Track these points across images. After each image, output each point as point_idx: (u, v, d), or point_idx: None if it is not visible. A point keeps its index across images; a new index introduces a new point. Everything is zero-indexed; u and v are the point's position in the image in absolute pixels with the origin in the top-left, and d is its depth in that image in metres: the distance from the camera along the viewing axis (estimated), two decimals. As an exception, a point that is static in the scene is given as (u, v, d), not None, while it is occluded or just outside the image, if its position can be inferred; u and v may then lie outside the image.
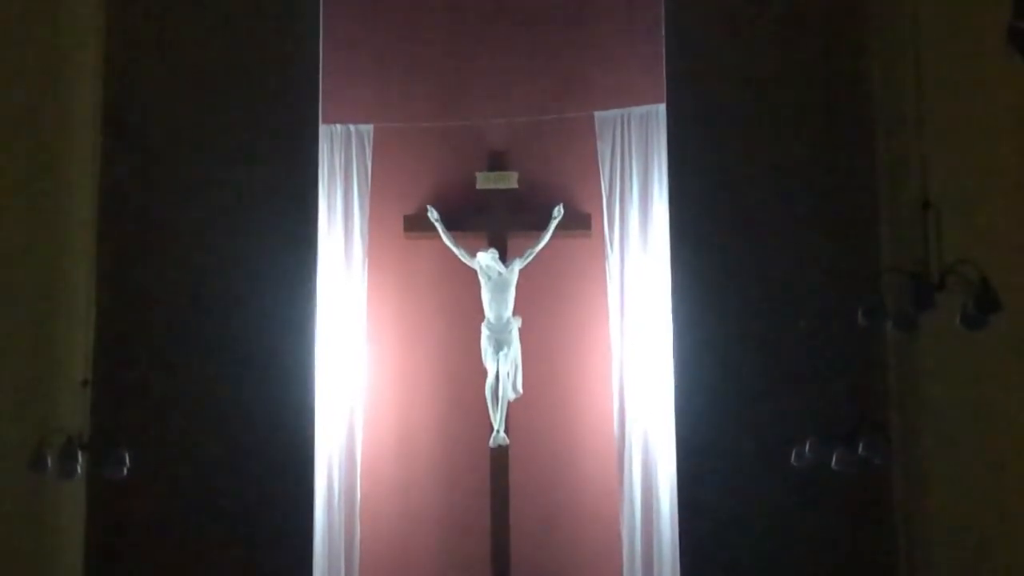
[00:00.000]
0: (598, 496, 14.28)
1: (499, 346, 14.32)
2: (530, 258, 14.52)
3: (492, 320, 14.39)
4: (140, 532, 12.20)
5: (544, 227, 14.56)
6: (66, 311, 11.55)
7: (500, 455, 14.36)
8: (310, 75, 13.10)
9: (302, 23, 13.12)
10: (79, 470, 10.23)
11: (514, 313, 14.43)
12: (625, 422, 14.15)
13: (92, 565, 12.03)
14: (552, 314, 14.72)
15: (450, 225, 14.65)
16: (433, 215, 14.61)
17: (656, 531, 13.78)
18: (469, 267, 14.54)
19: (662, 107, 13.58)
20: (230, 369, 12.40)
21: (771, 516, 12.00)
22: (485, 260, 14.42)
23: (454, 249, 14.56)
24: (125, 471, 10.54)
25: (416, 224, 14.75)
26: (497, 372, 14.31)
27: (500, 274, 14.44)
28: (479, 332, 14.42)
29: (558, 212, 14.56)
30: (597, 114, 14.74)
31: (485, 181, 14.86)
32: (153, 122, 12.85)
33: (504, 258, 14.55)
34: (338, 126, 14.67)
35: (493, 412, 14.29)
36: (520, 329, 14.42)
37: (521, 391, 14.39)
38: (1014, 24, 5.84)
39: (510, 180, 14.85)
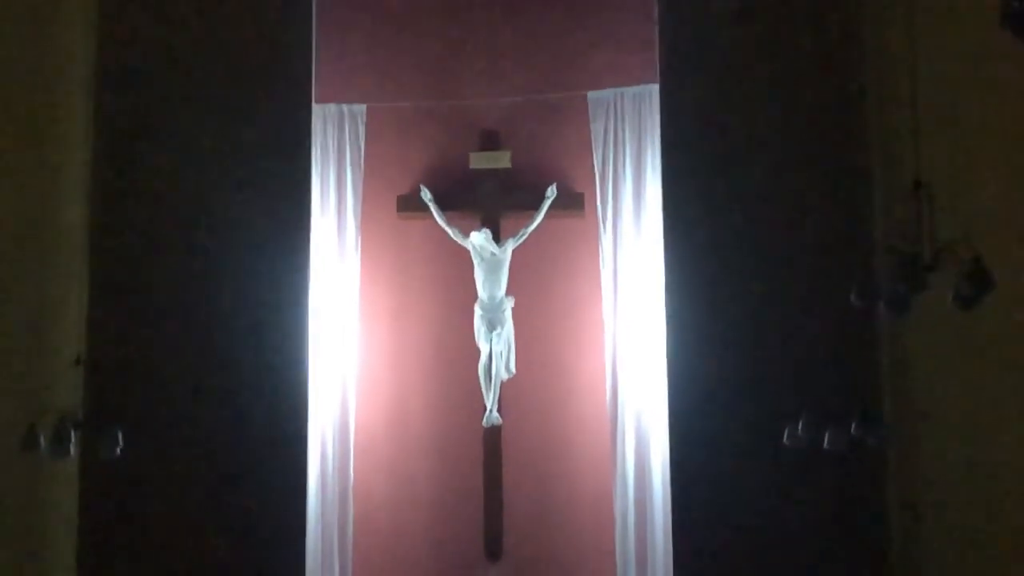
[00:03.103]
0: (591, 475, 14.31)
1: (492, 326, 14.33)
2: (523, 238, 14.52)
3: (485, 300, 14.39)
4: (134, 511, 12.21)
5: (537, 207, 14.56)
6: (59, 288, 11.55)
7: (493, 434, 14.39)
8: (303, 55, 13.07)
9: (295, 3, 13.08)
10: (72, 449, 10.23)
11: (507, 293, 14.44)
12: (618, 401, 14.16)
13: (85, 543, 12.05)
14: (545, 294, 14.73)
15: (443, 205, 14.64)
16: (426, 195, 14.60)
17: (649, 510, 13.80)
18: (462, 247, 14.54)
19: (655, 87, 13.56)
20: (224, 349, 12.40)
21: (764, 496, 12.01)
22: (478, 240, 14.42)
23: (447, 229, 14.56)
24: (119, 450, 10.54)
25: (409, 204, 14.76)
26: (490, 352, 14.32)
27: (493, 254, 14.44)
28: (472, 312, 14.42)
29: (551, 192, 14.56)
30: (590, 94, 14.72)
31: (478, 161, 14.85)
32: (146, 102, 12.80)
33: (497, 238, 14.55)
34: (331, 106, 14.64)
35: (486, 392, 14.30)
36: (513, 309, 14.43)
37: (514, 371, 14.41)
38: (1009, 4, 5.83)
39: (503, 160, 14.84)
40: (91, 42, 12.19)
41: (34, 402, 10.51)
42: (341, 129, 14.73)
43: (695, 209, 12.65)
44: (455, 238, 14.55)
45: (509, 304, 14.41)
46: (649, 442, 13.91)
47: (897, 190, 10.18)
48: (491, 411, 14.30)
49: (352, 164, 14.71)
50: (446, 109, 14.92)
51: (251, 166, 12.73)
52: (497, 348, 14.32)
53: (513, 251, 14.51)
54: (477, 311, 14.40)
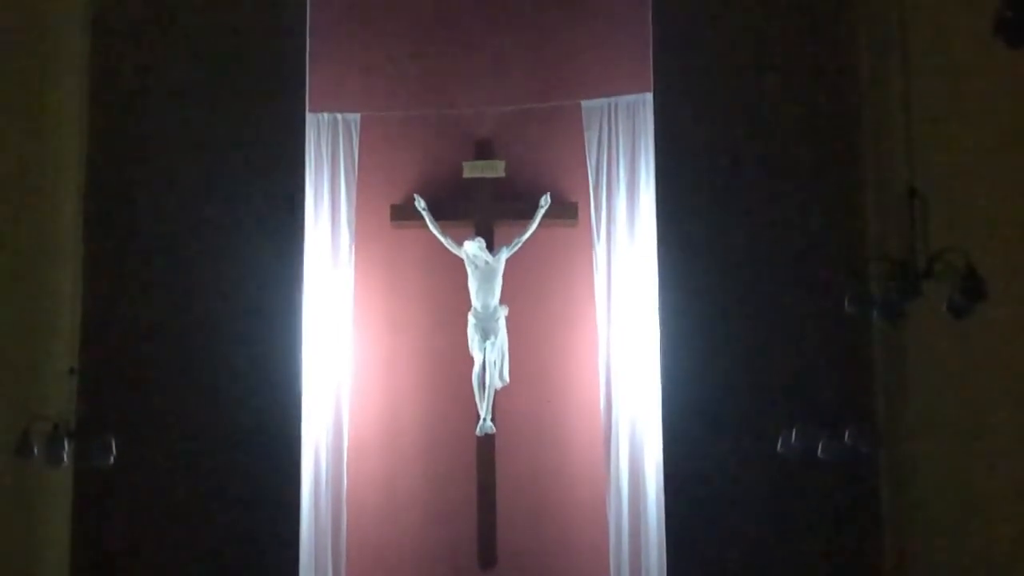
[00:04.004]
0: (585, 483, 14.30)
1: (486, 335, 14.33)
2: (517, 247, 14.52)
3: (479, 309, 14.40)
4: (127, 518, 12.19)
5: (531, 216, 14.57)
6: (52, 298, 11.54)
7: (487, 443, 14.38)
8: (297, 64, 13.08)
9: (289, 12, 13.09)
10: (65, 457, 10.22)
11: (501, 302, 14.44)
12: (612, 410, 14.17)
13: (79, 551, 12.03)
14: (539, 303, 14.73)
15: (437, 214, 14.64)
16: (420, 204, 14.60)
17: (643, 518, 13.80)
18: (456, 256, 14.54)
19: (649, 96, 13.58)
20: (217, 358, 12.40)
21: (757, 504, 12.03)
22: (472, 249, 14.43)
23: (441, 238, 14.56)
24: (111, 459, 10.53)
25: (403, 213, 14.75)
26: (484, 361, 14.31)
27: (487, 263, 14.44)
28: (466, 321, 14.42)
29: (545, 201, 14.56)
30: (584, 103, 14.74)
31: (472, 170, 14.87)
32: (139, 111, 12.81)
33: (491, 247, 14.56)
34: (325, 115, 14.65)
35: (480, 400, 14.30)
36: (507, 318, 14.43)
37: (508, 379, 14.40)
38: (1002, 13, 5.84)
39: (497, 169, 14.85)
40: (86, 48, 12.17)
41: (28, 410, 10.49)
42: (335, 138, 14.74)
43: (689, 218, 12.68)
44: (449, 247, 14.55)
45: (503, 313, 14.41)
46: (643, 450, 13.92)
47: (891, 198, 10.21)
48: (485, 420, 14.29)
49: (346, 173, 14.71)
50: (440, 118, 14.92)
51: (245, 175, 12.73)
52: (491, 357, 14.32)
53: (507, 260, 14.51)
54: (471, 320, 14.40)
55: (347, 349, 14.50)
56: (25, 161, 11.32)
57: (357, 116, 14.81)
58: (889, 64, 10.44)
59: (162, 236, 12.67)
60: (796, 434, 10.56)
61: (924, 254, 7.46)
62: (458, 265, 14.55)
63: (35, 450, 10.07)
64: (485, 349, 14.32)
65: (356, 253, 14.63)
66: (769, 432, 11.08)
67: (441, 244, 14.57)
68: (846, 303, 8.05)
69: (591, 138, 14.67)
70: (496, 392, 14.35)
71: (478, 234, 14.60)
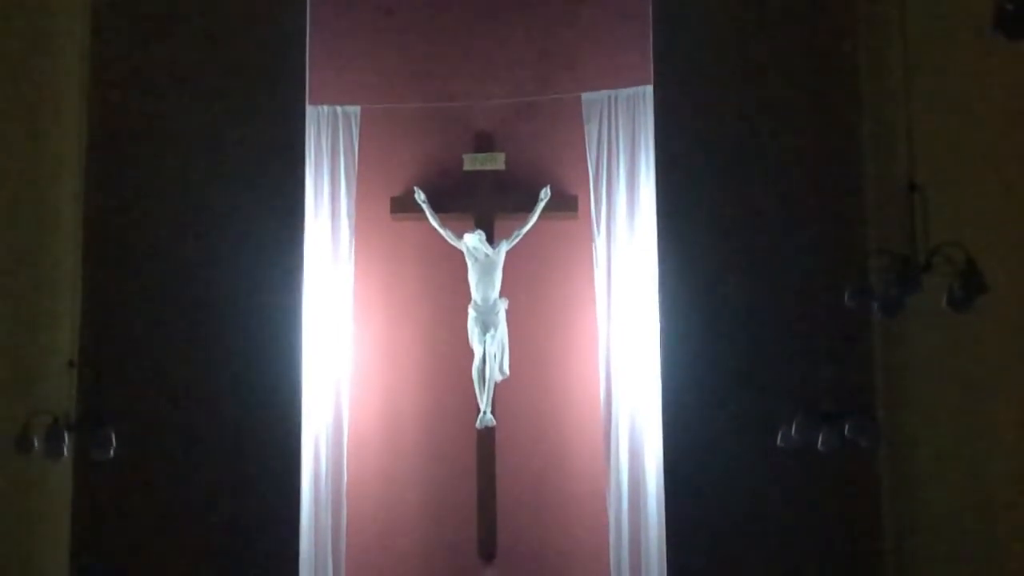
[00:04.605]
0: (585, 476, 14.32)
1: (486, 327, 14.33)
2: (517, 240, 14.52)
3: (479, 302, 14.40)
4: (126, 512, 12.19)
5: (531, 209, 14.57)
6: (52, 291, 11.53)
7: (487, 436, 14.39)
8: (297, 56, 13.05)
9: (289, 4, 13.07)
10: (65, 451, 10.22)
11: (501, 295, 14.44)
12: (612, 403, 14.17)
13: (78, 545, 12.02)
14: (539, 296, 14.74)
15: (437, 207, 14.64)
16: (420, 196, 14.60)
17: (643, 511, 13.81)
18: (456, 249, 14.54)
19: (649, 88, 13.57)
20: (218, 350, 12.39)
21: (757, 497, 12.02)
22: (472, 242, 14.43)
23: (441, 231, 14.56)
24: (111, 452, 10.53)
25: (403, 205, 14.76)
26: (484, 353, 14.32)
27: (487, 256, 14.44)
28: (466, 314, 14.42)
29: (545, 194, 14.56)
30: (584, 95, 14.74)
31: (472, 162, 14.87)
32: (139, 104, 12.79)
33: (491, 240, 14.56)
34: (325, 107, 14.64)
35: (480, 393, 14.31)
36: (507, 311, 14.43)
37: (508, 372, 14.41)
38: (1001, 5, 5.84)
39: (497, 161, 14.85)
40: (86, 41, 12.15)
41: (28, 404, 10.49)
42: (335, 130, 14.72)
43: (689, 211, 12.66)
44: (449, 240, 14.55)
45: (503, 306, 14.41)
46: (643, 443, 13.93)
47: (891, 192, 10.20)
48: (485, 412, 14.30)
49: (346, 165, 14.70)
50: (440, 110, 14.92)
51: (245, 167, 12.72)
52: (491, 350, 14.33)
53: (507, 253, 14.51)
54: (471, 313, 14.41)
55: (347, 342, 14.50)
56: (25, 153, 11.30)
57: (357, 109, 14.80)
58: (890, 57, 10.42)
59: (162, 229, 12.66)
60: (796, 427, 10.55)
61: (924, 248, 7.45)
62: (458, 258, 14.54)
63: (35, 443, 10.06)
64: (485, 342, 14.32)
65: (356, 246, 14.62)
66: (769, 425, 11.08)
67: (441, 237, 14.56)
68: (846, 297, 8.05)
69: (591, 131, 14.66)
70: (496, 385, 14.36)
71: (478, 227, 14.59)
